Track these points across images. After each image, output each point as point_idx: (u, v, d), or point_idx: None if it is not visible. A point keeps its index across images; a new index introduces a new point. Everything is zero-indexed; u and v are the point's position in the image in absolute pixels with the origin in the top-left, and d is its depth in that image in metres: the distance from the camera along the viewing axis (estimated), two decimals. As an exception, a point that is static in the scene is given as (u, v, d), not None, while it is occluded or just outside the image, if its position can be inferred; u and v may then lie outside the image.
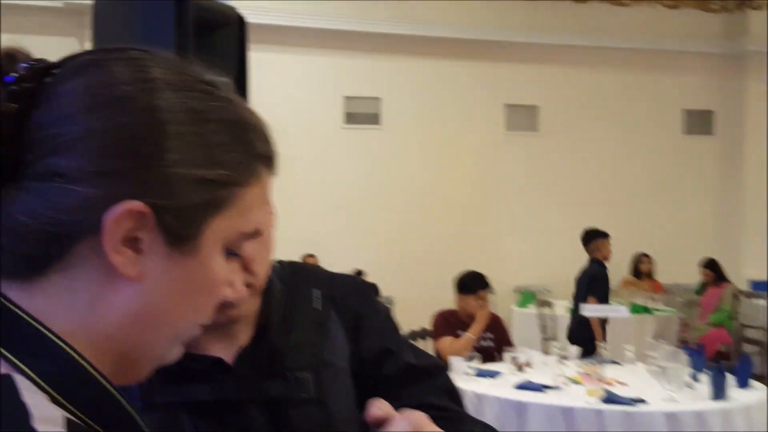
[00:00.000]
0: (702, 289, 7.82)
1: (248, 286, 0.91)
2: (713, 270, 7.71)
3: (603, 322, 6.27)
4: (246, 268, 0.80)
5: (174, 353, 0.66)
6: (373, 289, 1.26)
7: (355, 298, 1.18)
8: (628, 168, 8.92)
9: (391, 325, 1.21)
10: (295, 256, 6.83)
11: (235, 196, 0.65)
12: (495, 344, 4.88)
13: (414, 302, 6.20)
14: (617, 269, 8.38)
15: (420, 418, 0.76)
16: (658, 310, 7.30)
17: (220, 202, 0.64)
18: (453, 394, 1.18)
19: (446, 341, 4.81)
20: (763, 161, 8.89)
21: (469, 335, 4.77)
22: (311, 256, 7.30)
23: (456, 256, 7.84)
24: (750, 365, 4.58)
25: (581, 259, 8.51)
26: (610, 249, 6.60)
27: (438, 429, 0.78)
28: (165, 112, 0.61)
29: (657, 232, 8.66)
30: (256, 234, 0.70)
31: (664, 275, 8.38)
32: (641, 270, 8.31)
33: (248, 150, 0.67)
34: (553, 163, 8.77)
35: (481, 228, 8.53)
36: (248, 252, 0.75)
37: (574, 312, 6.45)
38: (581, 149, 8.83)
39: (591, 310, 6.00)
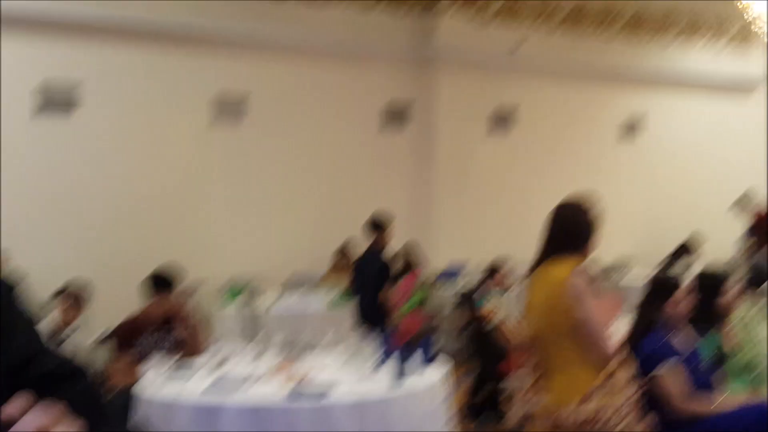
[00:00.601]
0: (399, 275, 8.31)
1: None
2: (406, 257, 8.23)
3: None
4: None
5: None
6: (16, 291, 1.22)
7: None
8: (332, 159, 9.26)
9: (33, 330, 1.20)
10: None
11: None
12: (188, 341, 4.84)
13: (118, 300, 5.97)
14: (321, 260, 8.72)
15: (52, 411, 0.78)
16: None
17: None
18: (95, 394, 1.19)
19: (122, 365, 4.68)
20: (452, 154, 9.67)
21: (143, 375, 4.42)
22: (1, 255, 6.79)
23: (162, 251, 7.66)
24: (432, 345, 4.98)
25: (288, 251, 8.77)
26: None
27: (72, 423, 0.80)
28: None
29: (357, 224, 9.06)
30: None
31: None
32: (346, 259, 8.67)
33: None
34: (259, 157, 8.88)
35: (187, 222, 8.44)
36: None
37: (363, 298, 6.91)
38: (287, 143, 9.03)
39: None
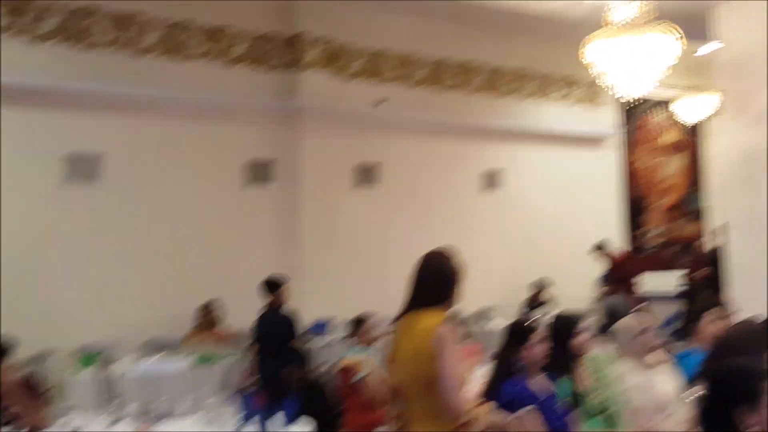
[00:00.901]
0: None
1: None
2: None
3: None
4: None
5: None
6: None
7: None
8: (194, 217, 9.02)
9: None
10: None
11: None
12: (23, 414, 4.53)
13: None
14: (185, 319, 8.44)
15: None
16: (224, 357, 7.44)
17: None
18: None
19: None
20: (318, 209, 9.63)
21: None
22: None
23: (12, 319, 7.25)
24: (296, 404, 4.86)
25: (147, 314, 8.43)
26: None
27: None
28: None
29: (224, 280, 8.87)
30: None
31: (233, 322, 8.58)
32: (208, 319, 8.44)
33: None
34: (117, 215, 8.56)
35: (38, 286, 7.99)
36: None
37: (267, 357, 6.92)
38: (147, 199, 8.74)
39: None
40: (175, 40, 8.97)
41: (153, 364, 6.93)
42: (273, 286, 7.33)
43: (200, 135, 9.13)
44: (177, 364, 6.96)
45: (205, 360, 7.21)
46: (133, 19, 8.69)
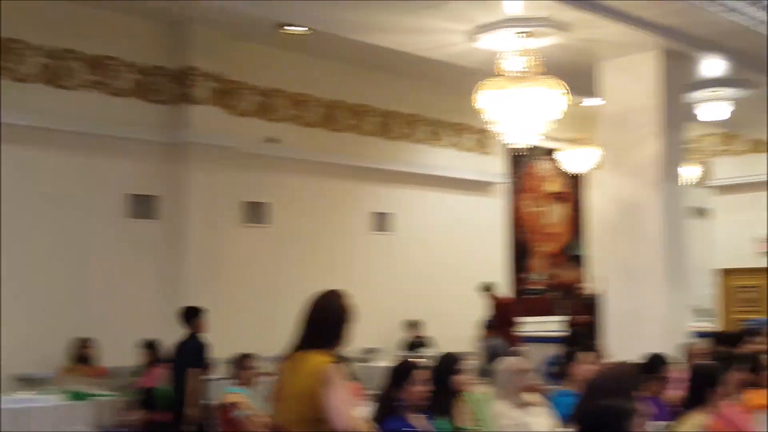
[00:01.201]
0: (141, 370, 7.91)
1: None
2: (152, 350, 7.90)
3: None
4: None
5: None
6: None
7: None
8: (69, 252, 8.63)
9: None
10: None
11: None
12: None
13: None
14: (58, 354, 8.09)
15: None
16: (97, 395, 7.18)
17: None
18: None
19: None
20: (202, 243, 9.43)
21: None
22: None
23: None
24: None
25: (20, 347, 8.03)
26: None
27: None
28: None
29: (101, 316, 8.56)
30: None
31: (109, 359, 8.29)
32: (82, 355, 8.12)
33: None
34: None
35: None
36: None
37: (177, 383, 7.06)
38: (19, 231, 8.27)
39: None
40: (56, 69, 8.65)
41: (22, 399, 6.60)
42: (187, 315, 7.34)
43: (81, 166, 8.75)
44: (48, 399, 6.66)
45: (78, 396, 6.92)
46: (11, 45, 8.35)
